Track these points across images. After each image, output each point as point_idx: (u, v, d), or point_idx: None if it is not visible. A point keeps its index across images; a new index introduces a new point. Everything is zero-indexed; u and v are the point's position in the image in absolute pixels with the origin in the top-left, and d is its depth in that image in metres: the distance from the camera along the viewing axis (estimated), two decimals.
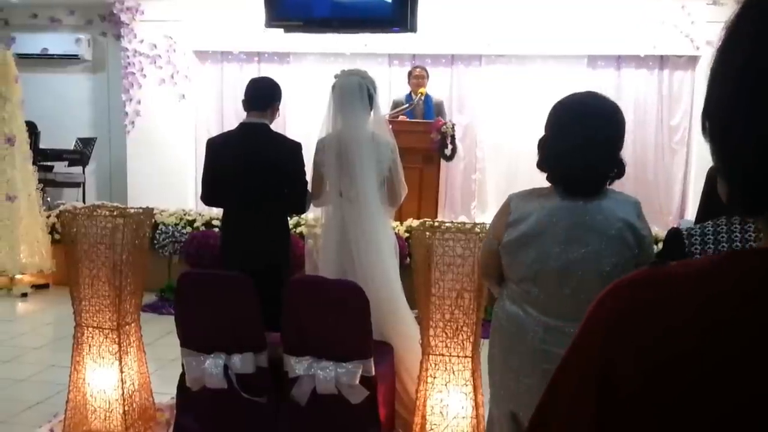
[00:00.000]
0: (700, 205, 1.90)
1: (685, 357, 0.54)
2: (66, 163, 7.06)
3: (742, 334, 0.53)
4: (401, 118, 5.49)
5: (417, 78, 5.79)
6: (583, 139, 1.73)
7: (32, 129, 5.95)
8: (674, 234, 1.54)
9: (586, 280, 1.74)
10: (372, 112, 2.93)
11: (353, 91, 2.85)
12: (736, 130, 0.57)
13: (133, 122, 7.24)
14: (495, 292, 2.02)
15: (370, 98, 2.89)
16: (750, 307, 0.54)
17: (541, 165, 1.85)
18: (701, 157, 6.13)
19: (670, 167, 6.67)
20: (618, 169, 1.79)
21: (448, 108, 6.71)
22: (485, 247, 1.99)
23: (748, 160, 0.56)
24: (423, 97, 5.64)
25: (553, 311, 1.77)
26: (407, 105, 5.61)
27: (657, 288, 0.58)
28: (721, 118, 0.59)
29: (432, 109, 5.73)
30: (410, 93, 5.82)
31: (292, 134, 4.21)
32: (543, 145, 1.83)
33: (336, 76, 2.94)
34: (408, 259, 3.74)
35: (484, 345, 3.00)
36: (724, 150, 0.59)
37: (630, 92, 6.50)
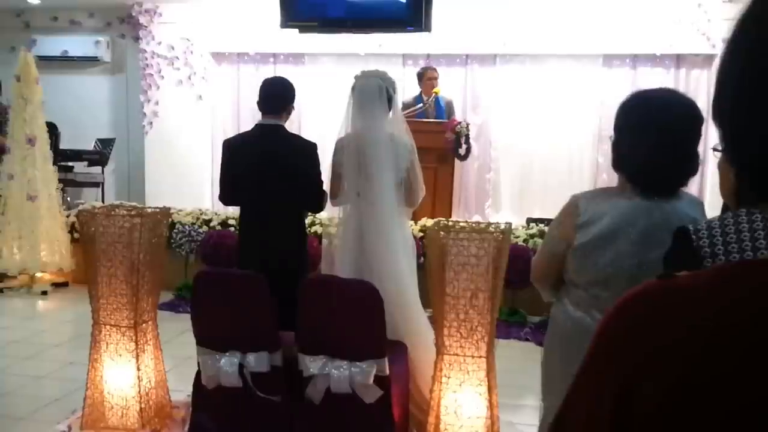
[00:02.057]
0: (723, 204, 1.88)
1: (696, 365, 0.54)
2: (85, 163, 7.16)
3: (746, 343, 0.54)
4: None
5: (431, 80, 5.79)
6: (666, 137, 1.68)
7: (52, 130, 6.04)
8: (681, 231, 1.52)
9: None
10: (391, 113, 2.94)
11: (373, 93, 2.86)
12: (742, 120, 0.59)
13: (151, 123, 7.32)
14: (546, 296, 1.95)
15: (390, 99, 2.90)
16: (756, 318, 0.54)
17: (617, 165, 1.79)
18: (717, 155, 6.05)
19: None
20: (695, 167, 1.74)
21: (462, 108, 6.71)
22: (548, 250, 1.90)
23: (754, 150, 0.58)
24: (434, 98, 5.64)
25: None
26: (419, 106, 5.61)
27: (668, 299, 0.58)
28: (729, 108, 0.61)
29: (443, 109, 5.73)
30: (420, 94, 5.82)
31: (307, 134, 4.23)
32: (617, 144, 1.78)
33: (356, 77, 2.95)
34: (422, 258, 3.75)
35: (499, 345, 3.00)
36: (732, 137, 0.61)
37: None
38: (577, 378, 0.64)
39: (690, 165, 1.73)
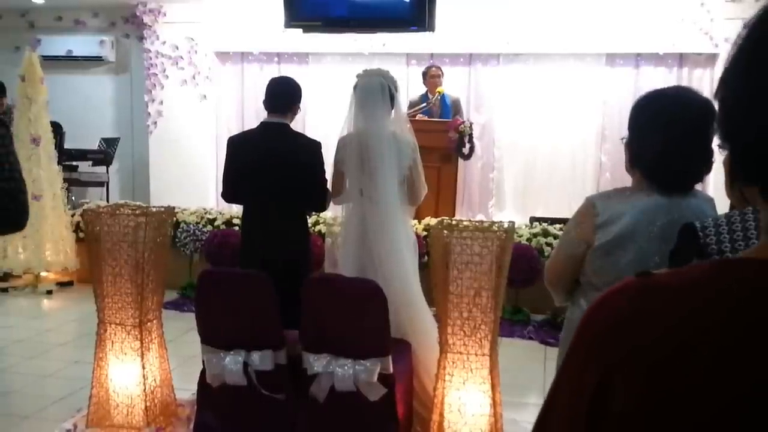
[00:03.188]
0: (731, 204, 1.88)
1: (672, 363, 0.55)
2: (90, 162, 7.19)
3: (723, 342, 0.55)
4: (418, 117, 5.51)
5: (434, 77, 5.81)
6: (681, 133, 1.68)
7: (57, 129, 6.06)
8: (687, 228, 1.52)
9: None
10: (393, 112, 2.95)
11: (375, 91, 2.87)
12: (740, 116, 0.61)
13: (155, 122, 7.35)
14: (559, 300, 1.95)
15: (392, 98, 2.91)
16: (732, 316, 0.55)
17: (632, 164, 1.79)
18: (721, 154, 6.04)
19: None
20: (710, 164, 1.74)
21: (466, 107, 6.71)
22: (565, 251, 1.87)
23: (750, 140, 0.60)
24: (439, 96, 5.65)
25: None
26: (424, 104, 5.62)
27: (647, 297, 0.59)
28: (730, 105, 0.63)
29: (449, 107, 5.74)
30: (426, 93, 5.83)
31: (311, 133, 4.24)
32: (632, 143, 1.77)
33: (358, 76, 2.96)
34: (426, 257, 3.75)
35: (502, 344, 3.01)
36: (732, 119, 0.63)
37: None
38: (558, 375, 0.64)
39: (705, 161, 1.73)
